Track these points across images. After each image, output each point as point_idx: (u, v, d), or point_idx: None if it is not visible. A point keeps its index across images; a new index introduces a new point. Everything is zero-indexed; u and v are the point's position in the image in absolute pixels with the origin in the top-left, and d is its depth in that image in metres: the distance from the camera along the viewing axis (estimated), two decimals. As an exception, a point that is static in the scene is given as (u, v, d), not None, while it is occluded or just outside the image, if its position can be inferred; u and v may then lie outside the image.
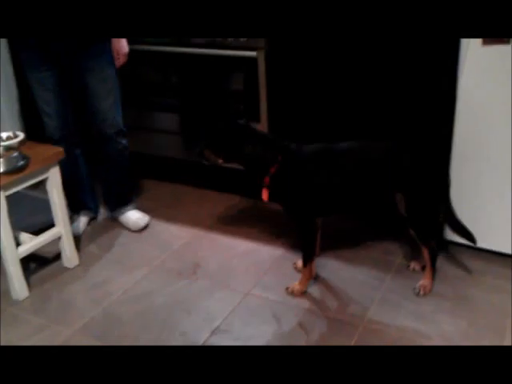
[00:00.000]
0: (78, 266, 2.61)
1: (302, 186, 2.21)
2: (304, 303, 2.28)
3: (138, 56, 2.92)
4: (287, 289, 2.35)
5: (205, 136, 2.40)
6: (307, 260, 2.31)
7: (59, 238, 2.53)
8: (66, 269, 2.58)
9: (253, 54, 2.75)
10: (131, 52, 2.68)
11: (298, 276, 2.37)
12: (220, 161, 2.28)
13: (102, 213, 3.03)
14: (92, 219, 2.97)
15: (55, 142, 2.56)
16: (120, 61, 2.64)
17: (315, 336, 2.10)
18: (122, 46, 2.61)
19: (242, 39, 2.74)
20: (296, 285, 2.34)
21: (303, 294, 2.33)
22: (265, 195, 2.26)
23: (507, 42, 2.14)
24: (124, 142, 2.75)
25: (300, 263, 2.38)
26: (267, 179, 2.22)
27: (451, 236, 2.54)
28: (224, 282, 2.44)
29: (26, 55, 2.49)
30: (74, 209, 2.89)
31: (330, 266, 2.49)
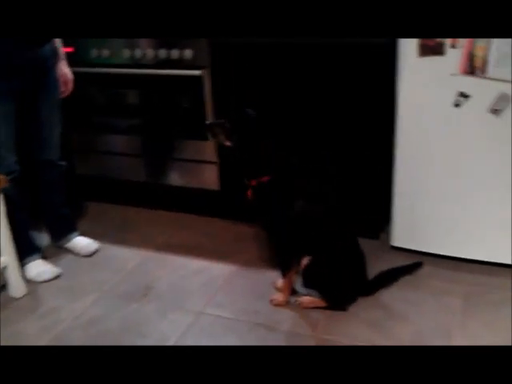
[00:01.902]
0: (26, 295, 2.54)
1: (284, 208, 2.22)
2: (257, 319, 2.28)
3: (85, 79, 2.90)
4: (271, 301, 2.36)
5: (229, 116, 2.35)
6: (285, 271, 2.32)
7: (5, 268, 2.47)
8: (14, 299, 2.51)
9: (198, 72, 2.77)
10: (79, 75, 2.68)
11: (252, 292, 2.40)
12: (227, 143, 2.26)
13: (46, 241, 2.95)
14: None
15: (13, 176, 2.47)
16: (68, 87, 2.64)
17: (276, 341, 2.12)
18: (67, 73, 2.61)
19: (187, 57, 2.76)
20: (280, 296, 2.36)
21: (287, 302, 2.34)
22: (250, 193, 2.27)
23: (442, 54, 2.22)
24: (64, 163, 2.73)
25: (279, 282, 2.40)
26: (254, 182, 2.23)
27: (397, 241, 2.60)
28: (176, 303, 2.42)
29: None
30: (25, 252, 2.70)
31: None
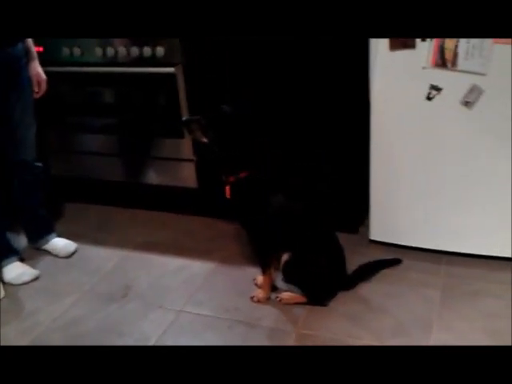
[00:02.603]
0: (4, 298, 2.52)
1: (261, 205, 2.22)
2: (238, 316, 2.28)
3: (57, 78, 2.87)
4: (252, 298, 2.36)
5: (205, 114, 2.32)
6: (265, 268, 2.32)
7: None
8: (-9, 302, 2.50)
9: (171, 69, 2.75)
10: (51, 74, 2.65)
11: (232, 289, 2.41)
12: (203, 139, 2.24)
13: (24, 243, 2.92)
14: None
15: None
16: (42, 88, 2.61)
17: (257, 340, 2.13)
18: (40, 73, 2.59)
19: (160, 55, 2.74)
20: (260, 292, 2.35)
21: (268, 299, 2.34)
22: (227, 192, 2.26)
23: (413, 47, 2.24)
24: (40, 164, 2.70)
25: (260, 279, 2.40)
26: (232, 178, 2.22)
27: (375, 235, 2.62)
28: (156, 302, 2.41)
29: None
30: (3, 255, 2.67)
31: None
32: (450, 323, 2.13)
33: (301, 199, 2.28)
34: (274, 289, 2.38)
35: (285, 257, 2.24)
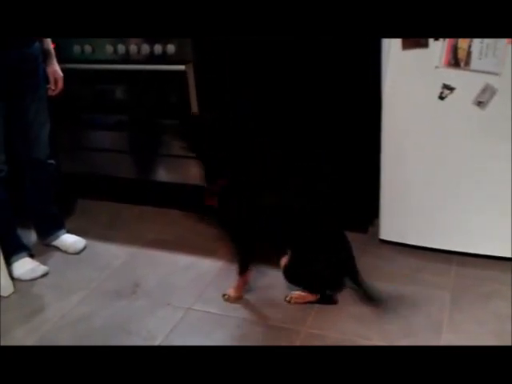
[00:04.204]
0: (14, 293, 2.53)
1: (241, 209, 2.21)
2: (245, 314, 2.28)
3: (68, 75, 2.87)
4: (224, 296, 2.35)
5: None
6: (243, 269, 2.31)
7: (-9, 267, 2.45)
8: (1, 297, 2.49)
9: (181, 67, 2.75)
10: (62, 71, 2.66)
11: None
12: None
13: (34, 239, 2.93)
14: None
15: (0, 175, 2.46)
16: (58, 85, 2.62)
17: (258, 345, 2.10)
18: (57, 70, 2.60)
19: (170, 53, 2.74)
20: (231, 291, 2.35)
21: (239, 299, 2.34)
22: (214, 201, 2.27)
23: (425, 46, 2.22)
24: (52, 162, 2.70)
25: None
26: (216, 187, 2.23)
27: (385, 235, 2.60)
28: (164, 299, 2.41)
29: None
30: (12, 250, 2.67)
31: (270, 274, 2.49)
32: (460, 325, 2.11)
33: (301, 198, 2.25)
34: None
35: (283, 260, 2.24)
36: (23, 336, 2.26)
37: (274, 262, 2.45)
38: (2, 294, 2.51)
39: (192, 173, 2.98)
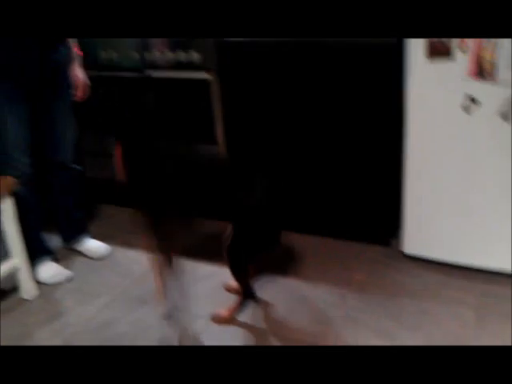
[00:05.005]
0: (38, 297, 2.56)
1: None
2: (266, 324, 2.27)
3: (96, 81, 2.91)
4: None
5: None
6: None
7: (16, 270, 2.48)
8: (25, 301, 2.53)
9: (205, 75, 2.78)
10: (90, 78, 2.69)
11: (262, 297, 2.37)
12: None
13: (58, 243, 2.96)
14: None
15: (24, 178, 2.49)
16: (80, 91, 2.65)
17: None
18: (78, 76, 2.62)
19: (195, 60, 2.76)
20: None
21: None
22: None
23: (449, 55, 2.20)
24: (77, 167, 2.74)
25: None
26: None
27: (408, 249, 2.58)
28: (187, 307, 2.41)
29: (2, 90, 2.38)
30: (37, 254, 2.70)
31: (289, 286, 2.48)
32: (483, 344, 2.08)
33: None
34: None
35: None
36: (46, 339, 2.29)
37: (292, 274, 2.45)
38: (26, 298, 2.54)
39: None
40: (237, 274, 2.20)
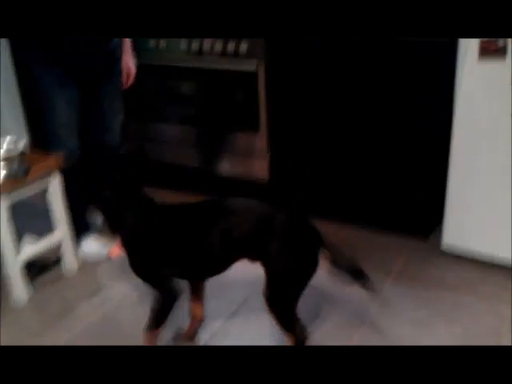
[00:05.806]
0: (79, 271, 2.63)
1: None
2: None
3: (141, 70, 2.97)
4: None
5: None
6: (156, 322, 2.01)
7: (60, 243, 2.56)
8: (67, 275, 2.61)
9: (252, 67, 2.81)
10: (139, 66, 2.75)
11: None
12: None
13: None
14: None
15: (73, 159, 2.53)
16: (130, 80, 2.72)
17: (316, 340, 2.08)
18: (130, 66, 2.69)
19: (242, 51, 2.80)
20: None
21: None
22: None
23: (503, 54, 2.18)
24: (122, 152, 2.81)
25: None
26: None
27: (448, 245, 2.56)
28: (220, 290, 2.40)
29: (53, 73, 2.46)
30: (82, 230, 2.78)
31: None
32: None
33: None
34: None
35: None
36: (86, 313, 2.35)
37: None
38: (68, 271, 2.62)
39: (255, 168, 3.03)
40: (287, 325, 1.85)
